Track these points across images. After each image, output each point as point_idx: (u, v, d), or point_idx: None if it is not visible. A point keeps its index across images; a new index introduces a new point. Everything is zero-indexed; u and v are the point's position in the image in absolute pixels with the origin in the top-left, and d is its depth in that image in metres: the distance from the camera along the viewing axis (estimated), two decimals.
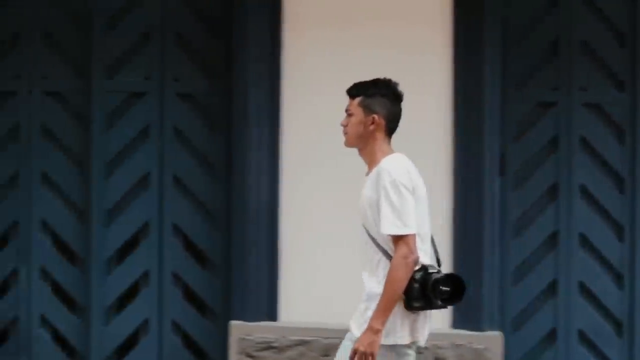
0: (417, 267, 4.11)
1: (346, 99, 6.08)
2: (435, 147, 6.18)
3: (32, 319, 6.49)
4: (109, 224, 6.45)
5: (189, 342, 6.49)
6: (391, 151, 4.31)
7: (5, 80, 6.50)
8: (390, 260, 4.11)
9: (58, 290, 6.53)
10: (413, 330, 4.18)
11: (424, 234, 4.23)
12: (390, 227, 4.09)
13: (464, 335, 6.13)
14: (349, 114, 4.37)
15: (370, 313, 4.11)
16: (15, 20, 6.50)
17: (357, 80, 6.13)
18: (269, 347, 6.17)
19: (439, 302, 4.13)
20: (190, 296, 6.48)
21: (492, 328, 6.18)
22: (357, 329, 4.18)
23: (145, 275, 6.46)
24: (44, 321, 6.51)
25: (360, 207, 4.28)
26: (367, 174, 4.32)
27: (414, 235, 4.10)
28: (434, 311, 4.22)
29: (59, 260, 6.51)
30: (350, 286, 6.03)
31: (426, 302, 4.12)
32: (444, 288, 4.11)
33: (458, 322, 6.17)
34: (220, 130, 6.42)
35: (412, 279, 4.08)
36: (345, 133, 4.38)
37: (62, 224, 6.51)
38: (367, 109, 4.32)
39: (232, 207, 6.30)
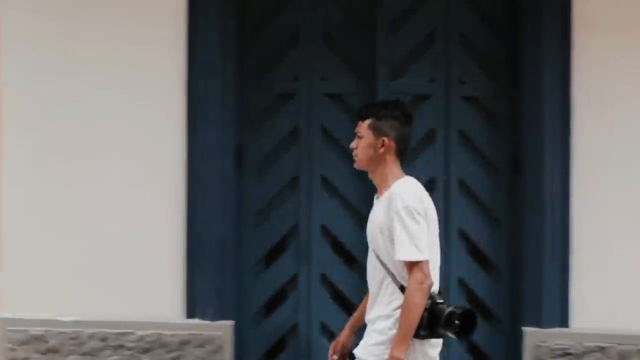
0: None
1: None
2: None
3: (311, 326, 6.35)
4: None
5: (473, 348, 6.37)
6: (402, 174, 4.26)
7: (284, 82, 6.36)
8: (398, 284, 4.11)
9: (338, 296, 6.40)
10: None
11: (434, 260, 4.20)
12: (404, 253, 4.06)
13: None
14: (359, 137, 4.29)
15: (373, 339, 4.15)
16: (295, 21, 6.36)
17: None
18: (564, 354, 6.06)
19: (448, 334, 4.10)
20: (475, 302, 6.35)
21: None
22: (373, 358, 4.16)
23: None
24: (324, 328, 6.37)
25: (370, 231, 4.26)
26: (377, 197, 4.28)
27: (427, 261, 4.07)
28: None
29: (338, 265, 6.39)
30: None
31: (430, 331, 4.09)
32: (457, 322, 4.06)
33: None
34: (505, 133, 6.31)
35: None
36: (355, 155, 4.31)
37: (342, 229, 6.38)
38: (377, 131, 4.24)
39: (520, 212, 6.19)
